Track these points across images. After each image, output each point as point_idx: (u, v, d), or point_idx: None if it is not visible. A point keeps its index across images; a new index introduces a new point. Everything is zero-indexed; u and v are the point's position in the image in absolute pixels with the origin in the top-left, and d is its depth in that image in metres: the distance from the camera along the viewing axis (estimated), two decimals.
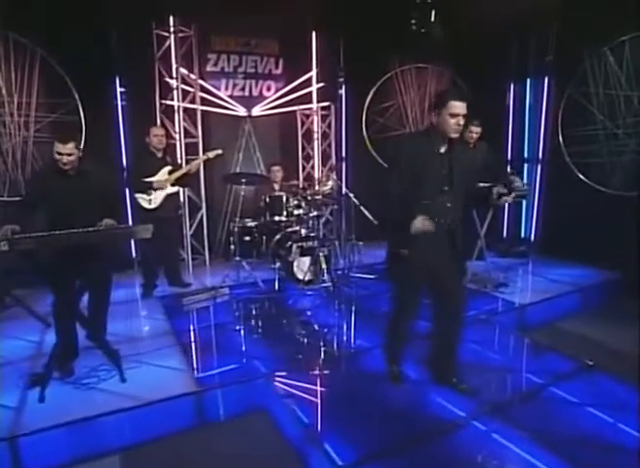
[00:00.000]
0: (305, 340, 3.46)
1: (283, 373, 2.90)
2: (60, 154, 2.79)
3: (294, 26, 5.49)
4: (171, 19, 4.81)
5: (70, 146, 2.78)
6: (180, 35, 4.90)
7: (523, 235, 6.09)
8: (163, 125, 4.92)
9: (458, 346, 2.71)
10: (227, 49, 5.42)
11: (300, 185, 5.25)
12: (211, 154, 4.42)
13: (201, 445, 2.42)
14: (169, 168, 4.21)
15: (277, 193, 4.70)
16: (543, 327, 3.86)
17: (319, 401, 2.68)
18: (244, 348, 3.33)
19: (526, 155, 5.92)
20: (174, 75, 4.94)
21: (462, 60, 6.08)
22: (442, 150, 2.46)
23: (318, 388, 2.81)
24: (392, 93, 6.42)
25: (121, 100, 4.98)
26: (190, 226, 5.18)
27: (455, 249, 2.55)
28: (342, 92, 6.29)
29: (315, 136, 5.89)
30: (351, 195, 4.68)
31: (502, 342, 3.41)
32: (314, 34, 5.67)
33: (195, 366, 3.00)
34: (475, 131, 4.48)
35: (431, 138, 2.46)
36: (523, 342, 3.46)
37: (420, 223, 2.36)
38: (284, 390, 2.79)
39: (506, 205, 6.08)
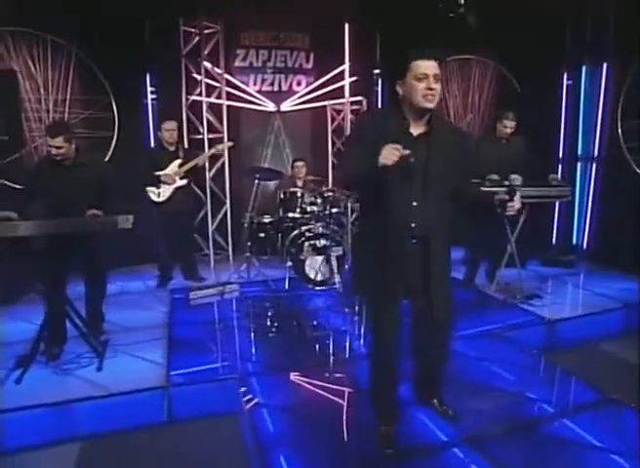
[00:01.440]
0: (301, 342, 3.28)
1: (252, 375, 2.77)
2: (50, 147, 2.87)
3: (325, 19, 5.33)
4: (197, 14, 4.83)
5: (59, 140, 2.85)
6: (208, 31, 4.93)
7: (574, 242, 5.44)
8: (188, 119, 5.02)
9: (440, 366, 2.32)
10: (256, 44, 5.39)
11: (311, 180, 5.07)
12: (220, 147, 4.40)
13: (151, 442, 2.36)
14: (179, 161, 4.25)
15: (292, 189, 4.58)
16: (574, 347, 3.40)
17: (294, 408, 2.51)
18: (234, 346, 3.23)
19: (580, 152, 5.27)
20: (201, 71, 4.98)
21: (509, 49, 5.58)
22: (415, 132, 1.95)
23: (296, 395, 2.64)
24: None
25: (151, 96, 5.13)
26: (213, 221, 5.21)
27: (430, 263, 2.02)
28: (379, 86, 6.05)
29: (345, 134, 5.68)
30: None
31: (515, 361, 3.00)
32: (347, 27, 5.46)
33: (173, 361, 2.94)
34: (509, 125, 4.07)
35: (400, 117, 1.96)
36: (540, 363, 3.02)
37: (389, 152, 1.76)
38: (258, 394, 2.65)
39: (556, 207, 5.56)
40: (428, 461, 2.10)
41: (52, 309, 2.87)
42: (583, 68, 5.12)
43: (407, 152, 1.77)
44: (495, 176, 3.90)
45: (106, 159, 4.94)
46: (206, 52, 4.95)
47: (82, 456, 2.31)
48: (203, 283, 4.54)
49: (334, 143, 5.78)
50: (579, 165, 5.29)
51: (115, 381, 2.67)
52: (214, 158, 5.14)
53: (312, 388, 2.68)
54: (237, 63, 5.38)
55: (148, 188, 4.15)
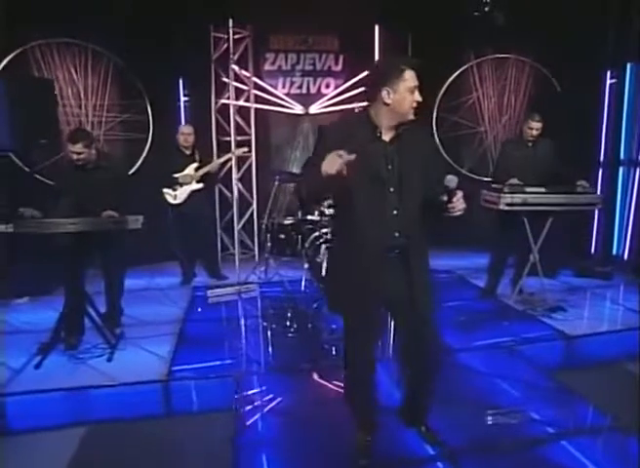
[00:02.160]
0: (308, 343, 3.32)
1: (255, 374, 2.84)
2: (71, 152, 3.08)
3: (355, 21, 5.32)
4: (228, 21, 4.97)
5: (79, 146, 3.05)
6: (237, 36, 5.07)
7: (615, 252, 5.09)
8: (217, 122, 5.19)
9: (427, 389, 2.19)
10: (285, 47, 5.48)
11: None
12: (237, 152, 4.52)
13: (147, 433, 2.49)
14: (195, 165, 4.40)
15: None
16: (593, 366, 3.18)
17: (288, 409, 2.56)
18: (241, 345, 3.33)
19: (622, 156, 4.92)
20: (230, 76, 5.13)
21: (548, 47, 5.32)
22: (387, 137, 1.87)
23: (292, 396, 2.69)
24: (466, 87, 5.87)
25: (184, 100, 5.36)
26: (239, 221, 5.35)
27: (410, 272, 1.92)
28: None
29: None
30: None
31: (521, 378, 2.87)
32: (377, 28, 5.42)
33: (177, 356, 3.07)
34: (536, 126, 3.89)
35: (372, 123, 1.86)
36: (547, 381, 2.87)
37: (332, 160, 1.65)
38: (256, 393, 2.72)
39: (596, 214, 5.23)
40: None
41: (71, 302, 3.09)
42: (628, 66, 4.76)
43: (351, 157, 1.67)
44: (515, 181, 3.75)
45: (141, 160, 5.23)
46: (235, 57, 5.09)
47: (84, 440, 2.47)
48: (225, 281, 4.69)
49: None
50: (620, 169, 4.94)
51: (121, 372, 2.84)
52: (242, 160, 5.29)
53: (309, 389, 2.71)
54: (266, 67, 5.49)
55: (165, 190, 4.33)
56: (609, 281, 4.63)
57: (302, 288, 4.35)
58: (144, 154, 5.25)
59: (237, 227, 5.37)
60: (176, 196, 4.40)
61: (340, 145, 1.72)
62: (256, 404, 2.60)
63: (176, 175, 4.37)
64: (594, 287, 4.46)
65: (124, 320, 3.64)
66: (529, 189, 3.57)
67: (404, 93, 1.83)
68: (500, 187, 3.61)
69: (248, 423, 2.43)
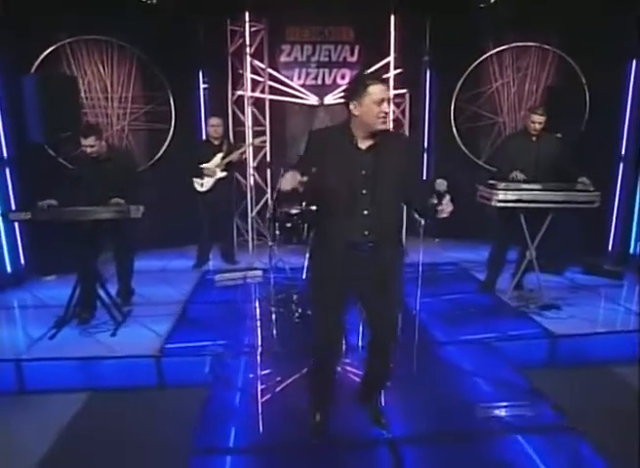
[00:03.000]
0: (303, 327, 3.51)
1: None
2: (84, 146, 3.39)
3: (371, 11, 5.33)
4: (244, 14, 5.13)
5: (91, 139, 3.35)
6: (253, 29, 5.22)
7: (632, 251, 4.91)
8: (233, 113, 5.40)
9: (378, 375, 2.38)
10: (301, 39, 5.57)
11: None
12: (255, 141, 4.71)
13: (140, 401, 2.79)
14: (222, 154, 4.64)
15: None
16: (578, 366, 3.18)
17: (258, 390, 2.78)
18: (234, 327, 3.57)
19: None
20: (246, 67, 5.31)
21: (573, 34, 5.12)
22: (363, 146, 2.04)
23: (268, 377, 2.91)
24: (486, 77, 5.75)
25: (203, 91, 5.62)
26: (253, 209, 5.58)
27: (381, 267, 2.07)
28: (427, 77, 5.91)
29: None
30: None
31: (492, 374, 2.94)
32: (393, 18, 5.39)
33: (173, 335, 3.36)
34: (538, 120, 3.82)
35: (350, 132, 2.03)
36: (518, 379, 2.91)
37: (288, 179, 1.88)
38: (237, 372, 2.97)
39: (614, 211, 5.06)
40: (351, 455, 2.25)
41: (83, 281, 3.43)
42: None
43: (303, 179, 1.87)
44: (518, 173, 3.72)
45: (163, 148, 5.55)
46: (251, 49, 5.25)
47: (85, 404, 2.81)
48: (235, 266, 4.96)
49: None
50: None
51: (121, 346, 3.17)
52: (257, 150, 5.50)
53: (287, 371, 2.91)
54: (282, 59, 5.61)
55: (194, 179, 4.61)
56: (619, 280, 4.50)
57: (304, 275, 4.54)
58: (167, 143, 5.57)
59: (251, 214, 5.62)
60: (203, 184, 4.68)
61: (322, 151, 2.03)
62: (231, 381, 2.83)
63: (203, 165, 4.63)
64: (600, 285, 4.37)
65: (135, 299, 3.99)
66: (524, 186, 3.55)
67: (370, 105, 1.95)
68: (494, 183, 3.61)
69: (216, 398, 2.67)
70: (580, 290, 4.26)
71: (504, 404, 2.60)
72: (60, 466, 2.34)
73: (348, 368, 2.96)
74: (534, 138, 3.89)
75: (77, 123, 4.28)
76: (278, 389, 2.76)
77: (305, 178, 1.86)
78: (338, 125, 2.16)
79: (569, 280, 4.55)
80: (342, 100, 2.09)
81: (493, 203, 3.52)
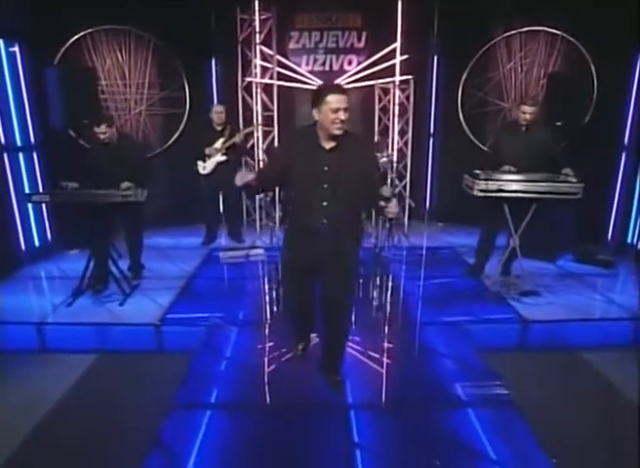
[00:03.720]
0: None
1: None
2: (97, 133, 3.73)
3: None
4: (251, 3, 5.31)
5: (103, 127, 3.69)
6: (262, 17, 5.40)
7: (630, 241, 4.94)
8: (243, 99, 5.65)
9: (335, 347, 2.75)
10: (309, 26, 5.71)
11: None
12: (247, 130, 5.00)
13: (142, 364, 3.19)
14: (223, 139, 4.93)
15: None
16: (544, 351, 3.37)
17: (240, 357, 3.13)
18: (232, 301, 3.92)
19: None
20: (256, 54, 5.52)
21: (583, 19, 5.05)
22: (328, 146, 2.34)
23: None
24: (494, 63, 5.74)
25: (216, 78, 5.88)
26: None
27: (338, 250, 2.42)
28: (435, 63, 5.96)
29: (391, 111, 5.78)
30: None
31: (456, 354, 3.16)
32: (400, 3, 5.45)
33: (174, 306, 3.74)
34: (528, 111, 3.90)
35: (316, 133, 2.33)
36: (479, 361, 3.12)
37: (240, 177, 2.36)
38: (226, 342, 3.32)
39: (615, 201, 5.08)
40: (308, 418, 2.56)
41: (96, 256, 3.84)
42: None
43: (253, 177, 2.32)
44: (507, 168, 3.84)
45: (178, 132, 5.89)
46: (261, 37, 5.44)
47: (91, 366, 3.23)
48: (238, 245, 5.30)
49: (380, 120, 5.94)
50: None
51: (127, 315, 3.57)
52: (266, 134, 5.74)
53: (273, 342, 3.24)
54: (291, 46, 5.78)
55: (198, 162, 4.93)
56: (611, 269, 4.57)
57: None
58: (182, 127, 5.89)
59: (259, 195, 5.92)
60: (205, 167, 5.00)
61: (293, 148, 2.42)
62: (221, 350, 3.19)
63: (205, 149, 4.94)
64: (589, 274, 4.45)
65: (145, 273, 4.39)
66: (504, 177, 3.67)
67: (327, 112, 2.23)
68: (478, 173, 3.74)
69: (202, 363, 3.03)
70: (567, 278, 4.38)
71: (458, 381, 2.84)
72: (72, 413, 2.76)
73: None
74: (524, 129, 3.97)
75: (96, 110, 4.65)
76: (264, 359, 3.08)
77: (254, 176, 2.25)
78: (309, 126, 2.43)
79: (559, 268, 4.66)
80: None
81: (474, 192, 3.66)
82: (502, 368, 3.02)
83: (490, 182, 3.63)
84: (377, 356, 3.09)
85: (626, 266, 4.63)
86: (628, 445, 2.36)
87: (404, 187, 5.98)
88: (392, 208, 2.29)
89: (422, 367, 3.02)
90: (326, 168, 2.33)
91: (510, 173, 3.76)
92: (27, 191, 4.44)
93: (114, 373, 3.16)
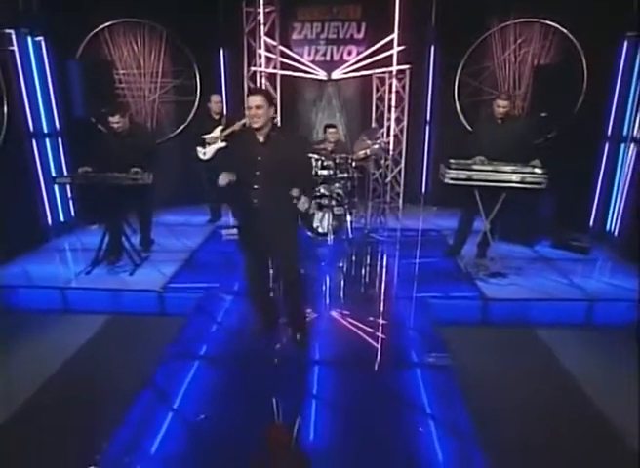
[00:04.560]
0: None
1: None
2: (111, 122, 4.22)
3: None
4: None
5: (116, 117, 4.18)
6: (267, 10, 5.73)
7: (608, 228, 5.18)
8: (248, 88, 6.04)
9: (293, 312, 3.24)
10: (311, 18, 6.02)
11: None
12: (242, 121, 5.41)
13: (147, 324, 3.74)
14: (221, 127, 5.36)
15: (310, 155, 5.35)
16: (502, 326, 3.75)
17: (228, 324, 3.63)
18: (228, 273, 4.42)
19: (625, 132, 4.87)
20: (260, 45, 5.88)
21: (576, 11, 5.20)
22: (261, 139, 2.80)
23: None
24: (489, 53, 5.95)
25: (224, 67, 6.29)
26: None
27: (276, 222, 2.90)
28: (432, 53, 6.19)
29: (386, 99, 6.07)
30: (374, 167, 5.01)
31: (414, 326, 3.58)
32: None
33: (176, 276, 4.27)
34: (502, 105, 4.18)
35: (253, 130, 2.80)
36: (434, 332, 3.52)
37: (222, 178, 2.81)
38: (215, 308, 3.83)
39: (597, 190, 5.30)
40: (276, 370, 3.05)
41: (110, 232, 4.38)
42: None
43: (233, 178, 2.80)
44: (481, 158, 4.15)
45: (190, 117, 6.35)
46: (265, 28, 5.78)
47: (104, 326, 3.79)
48: None
49: (377, 108, 6.24)
50: (622, 146, 4.92)
51: (135, 282, 4.12)
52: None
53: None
54: (294, 37, 6.12)
55: (198, 148, 5.39)
56: (585, 255, 4.85)
57: None
58: (192, 113, 6.36)
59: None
60: (205, 153, 5.46)
61: (237, 141, 3.06)
62: (212, 315, 3.70)
63: (204, 136, 5.39)
64: (562, 259, 4.75)
65: (154, 247, 4.94)
66: (473, 166, 3.99)
67: (247, 111, 2.78)
68: (451, 162, 4.07)
69: (195, 324, 3.56)
70: (538, 261, 4.69)
71: (412, 348, 3.27)
72: (86, 361, 3.32)
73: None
74: (499, 121, 4.25)
75: (112, 99, 5.16)
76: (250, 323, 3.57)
77: (233, 178, 2.78)
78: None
79: (535, 252, 4.96)
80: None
81: (445, 180, 4.01)
82: (460, 339, 3.44)
83: (460, 171, 3.97)
84: (345, 323, 3.54)
85: (600, 252, 4.90)
86: (560, 416, 2.75)
87: (399, 172, 6.32)
88: (302, 203, 2.88)
89: (385, 333, 3.45)
90: (259, 158, 2.80)
91: (482, 163, 4.06)
92: (53, 174, 5.01)
93: (123, 331, 3.72)
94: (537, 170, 3.94)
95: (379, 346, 3.29)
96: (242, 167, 2.85)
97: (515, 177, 3.93)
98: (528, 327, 3.76)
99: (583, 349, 3.52)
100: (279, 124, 6.05)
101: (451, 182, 4.00)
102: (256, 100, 2.70)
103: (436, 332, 3.47)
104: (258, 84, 5.92)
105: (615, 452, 2.52)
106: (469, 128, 6.18)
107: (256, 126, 2.75)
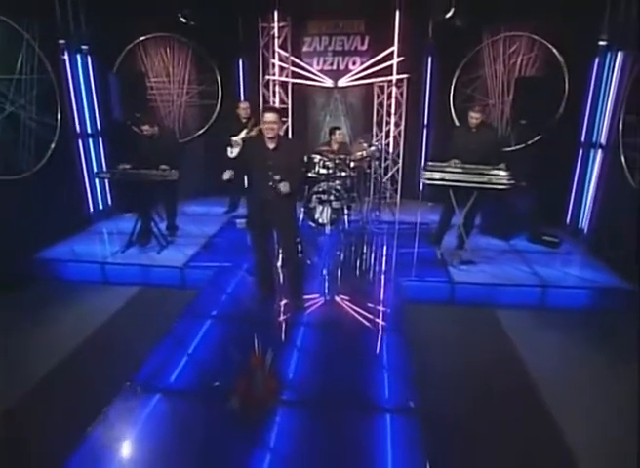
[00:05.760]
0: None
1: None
2: (144, 129, 5.07)
3: (379, 8, 6.33)
4: (271, 14, 6.40)
5: (147, 126, 5.02)
6: (280, 25, 6.49)
7: (581, 226, 5.73)
8: (263, 94, 6.82)
9: (293, 282, 4.04)
10: (320, 31, 6.73)
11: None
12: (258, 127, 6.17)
13: (170, 295, 4.58)
14: (247, 129, 6.14)
15: (312, 155, 6.07)
16: (466, 306, 4.41)
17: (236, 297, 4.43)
18: (239, 255, 5.21)
19: (595, 138, 5.41)
20: (274, 56, 6.64)
21: (559, 25, 5.73)
22: (271, 146, 3.59)
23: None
24: (480, 64, 6.52)
25: (243, 76, 7.09)
26: None
27: (281, 212, 3.73)
28: (429, 64, 6.80)
29: (386, 106, 6.75)
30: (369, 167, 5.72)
31: (384, 301, 4.29)
32: (397, 12, 6.33)
33: (195, 256, 5.11)
34: (474, 116, 4.81)
35: (264, 139, 3.61)
36: (400, 307, 4.22)
37: (225, 174, 3.72)
38: (226, 283, 4.64)
39: (573, 191, 5.86)
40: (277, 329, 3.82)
41: (142, 219, 5.25)
42: (609, 54, 5.13)
43: (232, 174, 3.72)
44: (455, 161, 4.79)
45: (212, 119, 7.17)
46: (279, 42, 6.55)
47: (133, 297, 4.65)
48: None
49: (378, 113, 6.92)
50: (592, 152, 5.46)
51: (162, 260, 4.98)
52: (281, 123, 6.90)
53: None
54: (304, 49, 6.85)
55: (228, 148, 6.19)
56: (554, 248, 5.43)
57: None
58: (215, 115, 7.18)
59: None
60: (232, 152, 6.25)
61: (251, 147, 3.81)
62: (223, 287, 4.51)
63: (233, 138, 6.18)
64: (533, 251, 5.34)
65: (178, 233, 5.79)
66: (446, 168, 4.64)
67: (264, 125, 3.55)
68: (430, 164, 4.73)
69: (208, 296, 4.37)
70: (509, 253, 5.31)
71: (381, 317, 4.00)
72: (121, 322, 4.18)
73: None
74: (474, 130, 4.88)
75: (144, 107, 6.02)
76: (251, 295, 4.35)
77: (232, 174, 3.56)
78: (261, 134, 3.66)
79: (510, 245, 5.57)
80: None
81: (422, 180, 4.69)
82: (427, 315, 4.14)
83: (434, 173, 4.63)
84: (333, 297, 4.29)
85: (569, 247, 5.48)
86: (497, 382, 3.36)
87: (397, 171, 7.00)
88: (282, 187, 3.55)
89: (361, 305, 4.17)
90: (270, 162, 3.59)
91: (455, 165, 4.71)
92: (95, 169, 5.92)
93: (150, 300, 4.57)
94: (501, 172, 4.55)
95: (355, 314, 4.02)
96: (255, 167, 3.64)
97: (482, 179, 4.56)
98: (487, 307, 4.42)
99: (533, 327, 4.15)
100: (289, 131, 6.86)
101: (427, 182, 4.67)
102: (270, 117, 3.48)
103: (402, 307, 4.17)
104: (272, 90, 6.72)
105: (537, 419, 3.03)
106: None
107: (269, 135, 3.54)
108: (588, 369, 3.59)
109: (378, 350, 3.54)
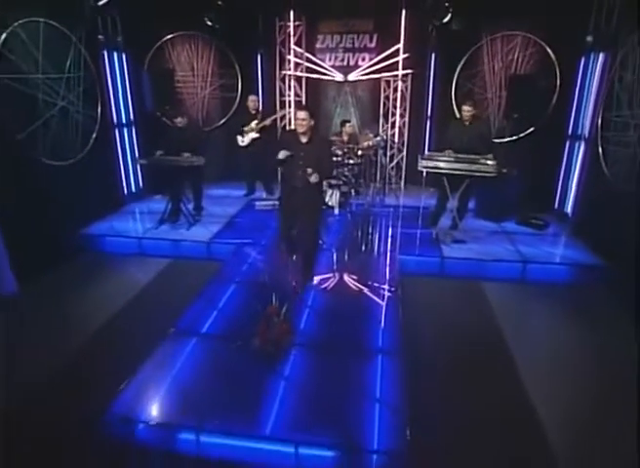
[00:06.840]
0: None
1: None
2: (175, 121, 5.77)
3: (386, 7, 6.88)
4: (287, 14, 7.00)
5: (179, 118, 5.72)
6: (295, 24, 7.09)
7: (567, 210, 6.29)
8: (280, 88, 7.44)
9: (306, 265, 4.59)
10: (331, 30, 7.31)
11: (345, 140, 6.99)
12: (280, 114, 6.79)
13: (198, 266, 5.32)
14: (256, 121, 6.80)
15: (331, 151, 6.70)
16: (458, 279, 5.07)
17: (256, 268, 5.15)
18: (258, 233, 5.92)
19: (579, 131, 5.96)
20: (290, 53, 7.25)
21: (556, 25, 6.21)
22: (303, 140, 4.12)
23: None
24: (480, 61, 7.04)
25: (261, 70, 7.73)
26: None
27: (308, 198, 4.25)
28: (433, 60, 7.34)
29: (391, 98, 7.33)
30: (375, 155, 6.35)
31: (382, 270, 4.97)
32: (404, 12, 6.87)
33: (219, 233, 5.85)
34: (467, 110, 5.39)
35: (296, 133, 4.11)
36: (395, 279, 4.90)
37: (282, 153, 4.05)
38: (248, 257, 5.36)
39: (560, 179, 6.42)
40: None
41: (172, 200, 5.98)
42: (592, 54, 5.64)
43: (288, 153, 4.06)
44: (449, 151, 5.39)
45: (232, 110, 7.84)
46: (294, 39, 7.15)
47: (166, 266, 5.40)
48: (274, 196, 7.25)
49: (384, 105, 7.52)
50: (577, 143, 6.01)
51: (190, 235, 5.72)
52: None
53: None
54: (317, 46, 7.43)
55: (238, 137, 6.88)
56: (541, 231, 6.03)
57: None
58: (235, 106, 7.85)
59: None
60: (243, 141, 6.95)
61: (284, 141, 4.27)
62: (244, 259, 5.23)
63: (244, 128, 6.87)
64: (521, 233, 5.95)
65: (204, 212, 6.53)
66: (440, 157, 5.26)
67: (296, 121, 4.10)
68: (424, 154, 5.35)
69: (231, 265, 5.10)
70: (498, 234, 5.92)
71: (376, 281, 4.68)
72: (156, 289, 4.92)
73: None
74: (467, 123, 5.47)
75: (173, 100, 6.73)
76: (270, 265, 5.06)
77: (287, 154, 4.08)
78: (294, 129, 4.24)
79: (501, 227, 6.18)
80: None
81: (418, 167, 5.31)
82: (418, 285, 4.81)
83: (429, 161, 5.25)
84: (340, 269, 4.98)
85: (555, 229, 6.07)
86: (476, 348, 3.91)
87: (401, 159, 7.61)
88: (313, 178, 4.07)
89: (362, 274, 4.85)
90: (302, 153, 4.14)
91: (448, 155, 5.31)
92: (129, 157, 6.65)
93: (180, 271, 5.32)
94: (489, 162, 5.15)
95: (357, 282, 4.71)
96: (291, 159, 4.08)
97: (472, 167, 5.17)
98: (473, 279, 5.07)
99: (512, 296, 4.79)
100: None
101: (422, 169, 5.30)
102: (302, 114, 4.02)
103: (397, 276, 4.85)
104: (287, 84, 7.36)
105: (503, 367, 3.66)
106: None
107: (301, 131, 4.06)
108: (553, 329, 4.23)
109: (374, 310, 4.22)
